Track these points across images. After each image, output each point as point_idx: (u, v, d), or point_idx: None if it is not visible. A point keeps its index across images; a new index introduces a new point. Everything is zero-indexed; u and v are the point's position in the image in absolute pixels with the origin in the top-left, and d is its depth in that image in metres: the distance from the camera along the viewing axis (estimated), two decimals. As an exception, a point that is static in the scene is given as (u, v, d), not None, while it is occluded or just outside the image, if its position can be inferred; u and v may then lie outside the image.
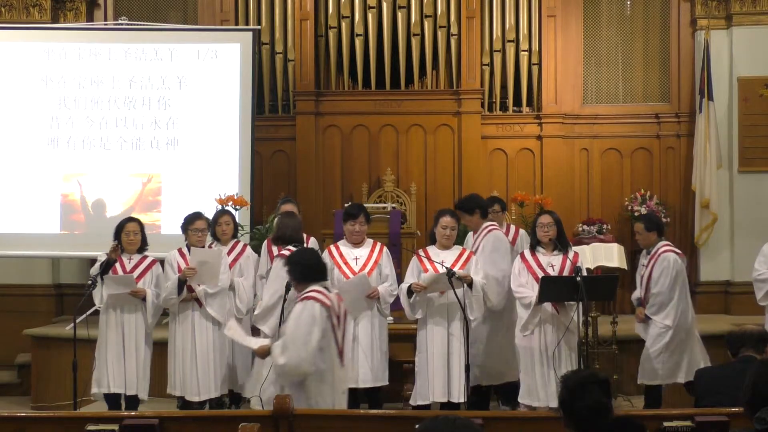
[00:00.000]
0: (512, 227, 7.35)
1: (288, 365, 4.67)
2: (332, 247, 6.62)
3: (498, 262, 6.64)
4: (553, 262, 6.32)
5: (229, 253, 6.79)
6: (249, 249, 7.00)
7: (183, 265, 6.52)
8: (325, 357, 4.76)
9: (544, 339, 6.25)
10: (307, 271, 4.92)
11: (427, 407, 6.18)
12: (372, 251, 6.52)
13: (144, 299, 6.46)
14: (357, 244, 6.53)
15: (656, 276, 6.66)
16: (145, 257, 6.62)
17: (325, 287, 4.93)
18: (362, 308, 6.33)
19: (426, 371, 6.24)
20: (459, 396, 6.14)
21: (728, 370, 4.62)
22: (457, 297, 6.04)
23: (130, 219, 6.77)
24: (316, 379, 4.73)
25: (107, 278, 6.40)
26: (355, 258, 6.48)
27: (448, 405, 6.18)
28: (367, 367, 6.31)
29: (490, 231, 6.80)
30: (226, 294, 6.61)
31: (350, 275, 6.37)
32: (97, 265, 6.51)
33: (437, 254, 6.30)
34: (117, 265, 6.52)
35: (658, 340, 6.66)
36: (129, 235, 6.55)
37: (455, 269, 6.12)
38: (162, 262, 6.71)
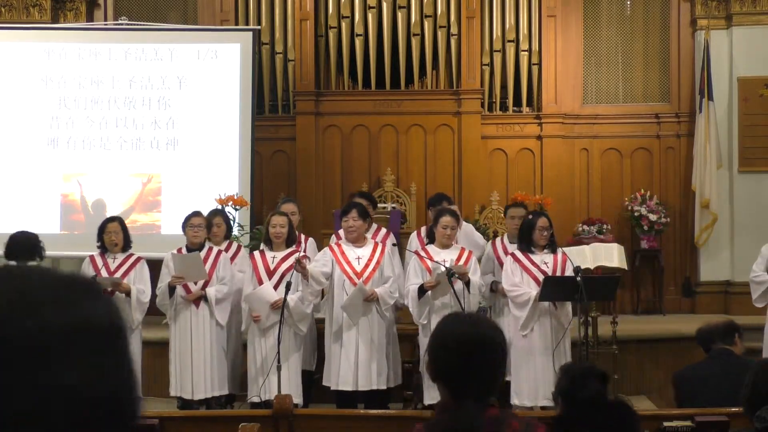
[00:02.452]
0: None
1: None
2: (333, 245, 6.58)
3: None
4: (545, 260, 6.38)
5: (226, 250, 6.84)
6: (243, 250, 7.04)
7: None
8: None
9: (543, 338, 6.25)
10: None
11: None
12: (374, 252, 6.49)
13: (128, 295, 6.46)
14: (356, 242, 6.50)
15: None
16: (130, 256, 6.63)
17: None
18: (360, 314, 6.33)
19: None
20: None
21: (708, 368, 4.57)
22: (456, 297, 6.04)
23: (111, 219, 6.76)
24: None
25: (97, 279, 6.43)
26: (357, 257, 6.45)
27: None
28: (365, 370, 6.29)
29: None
30: (231, 297, 6.61)
31: (352, 275, 6.36)
32: None
33: (437, 253, 6.30)
34: (102, 266, 6.54)
35: None
36: (110, 235, 6.56)
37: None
38: (153, 261, 6.75)
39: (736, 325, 4.80)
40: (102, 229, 6.63)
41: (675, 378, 4.73)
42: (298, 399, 5.95)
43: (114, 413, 0.94)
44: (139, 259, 6.65)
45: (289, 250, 6.42)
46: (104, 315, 0.96)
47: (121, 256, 6.60)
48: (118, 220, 6.75)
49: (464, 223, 7.32)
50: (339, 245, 6.53)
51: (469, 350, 2.16)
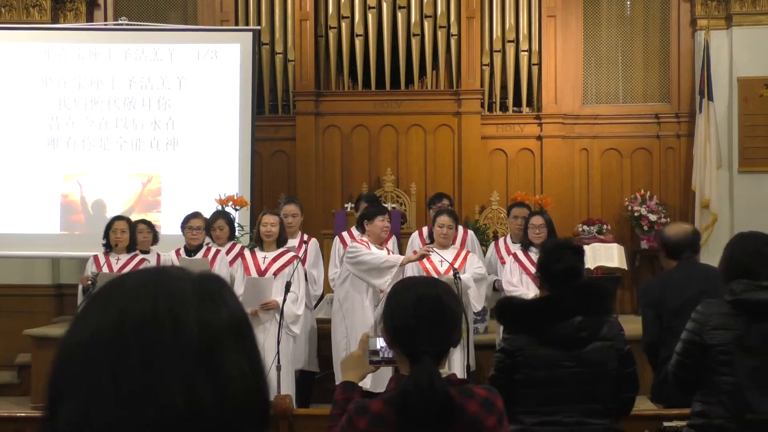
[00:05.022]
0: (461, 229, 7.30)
1: None
2: (361, 242, 6.39)
3: None
4: None
5: (227, 254, 6.82)
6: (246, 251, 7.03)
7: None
8: None
9: None
10: None
11: None
12: (388, 254, 6.50)
13: None
14: (381, 243, 6.44)
15: None
16: (135, 256, 6.62)
17: None
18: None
19: None
20: None
21: (677, 274, 4.53)
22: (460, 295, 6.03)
23: (119, 217, 6.77)
24: None
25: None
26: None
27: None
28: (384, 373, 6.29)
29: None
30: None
31: None
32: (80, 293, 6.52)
33: (437, 253, 6.30)
34: (105, 266, 6.53)
35: None
36: (116, 233, 6.55)
37: (455, 267, 6.14)
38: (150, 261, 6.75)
39: (699, 235, 4.85)
40: (109, 227, 6.62)
41: (645, 286, 4.94)
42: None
43: (262, 402, 1.00)
44: (143, 260, 6.66)
45: (281, 250, 6.36)
46: (241, 308, 1.02)
47: (125, 257, 6.59)
48: (125, 219, 6.77)
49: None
50: (368, 245, 6.36)
51: (424, 305, 2.19)
